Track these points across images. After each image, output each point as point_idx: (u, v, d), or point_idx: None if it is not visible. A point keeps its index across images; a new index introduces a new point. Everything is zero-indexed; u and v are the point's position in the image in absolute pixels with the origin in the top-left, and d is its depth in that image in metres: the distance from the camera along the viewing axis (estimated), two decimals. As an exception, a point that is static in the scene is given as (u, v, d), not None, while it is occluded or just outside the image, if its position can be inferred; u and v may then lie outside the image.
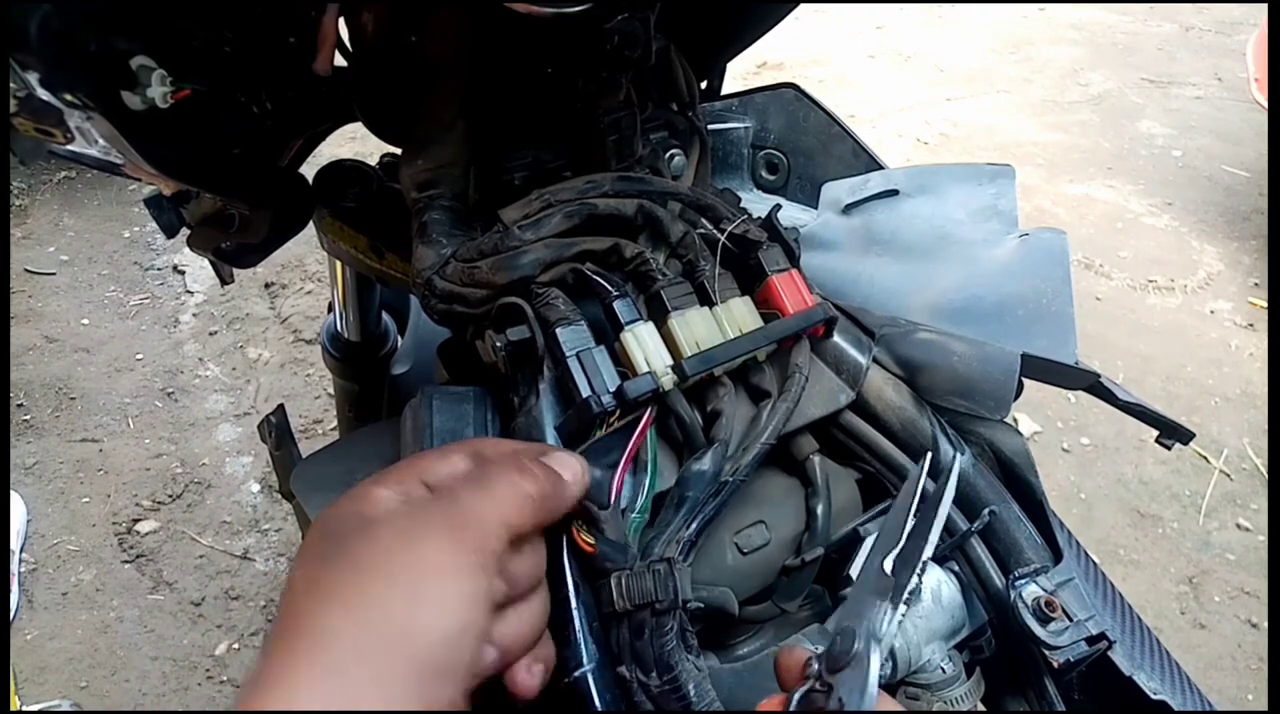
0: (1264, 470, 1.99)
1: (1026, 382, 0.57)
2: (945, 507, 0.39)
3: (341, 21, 0.48)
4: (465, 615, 0.32)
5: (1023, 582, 0.46)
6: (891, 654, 0.45)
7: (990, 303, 0.59)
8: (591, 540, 0.40)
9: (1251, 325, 2.40)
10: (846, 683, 0.33)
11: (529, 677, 0.36)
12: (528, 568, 0.37)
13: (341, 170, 0.68)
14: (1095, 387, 0.55)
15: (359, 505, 0.35)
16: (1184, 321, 2.41)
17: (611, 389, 0.42)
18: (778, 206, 0.55)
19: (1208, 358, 2.29)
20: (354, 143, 1.10)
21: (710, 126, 0.71)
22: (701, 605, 0.43)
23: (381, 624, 0.30)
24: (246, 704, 0.29)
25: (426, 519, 0.34)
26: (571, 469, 0.39)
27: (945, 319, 0.60)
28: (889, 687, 0.47)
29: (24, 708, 1.45)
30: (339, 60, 0.50)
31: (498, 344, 0.45)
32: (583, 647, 0.38)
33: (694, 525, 0.43)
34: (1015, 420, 2.01)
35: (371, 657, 0.29)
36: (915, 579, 0.36)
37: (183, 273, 2.50)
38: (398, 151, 0.57)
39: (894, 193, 0.67)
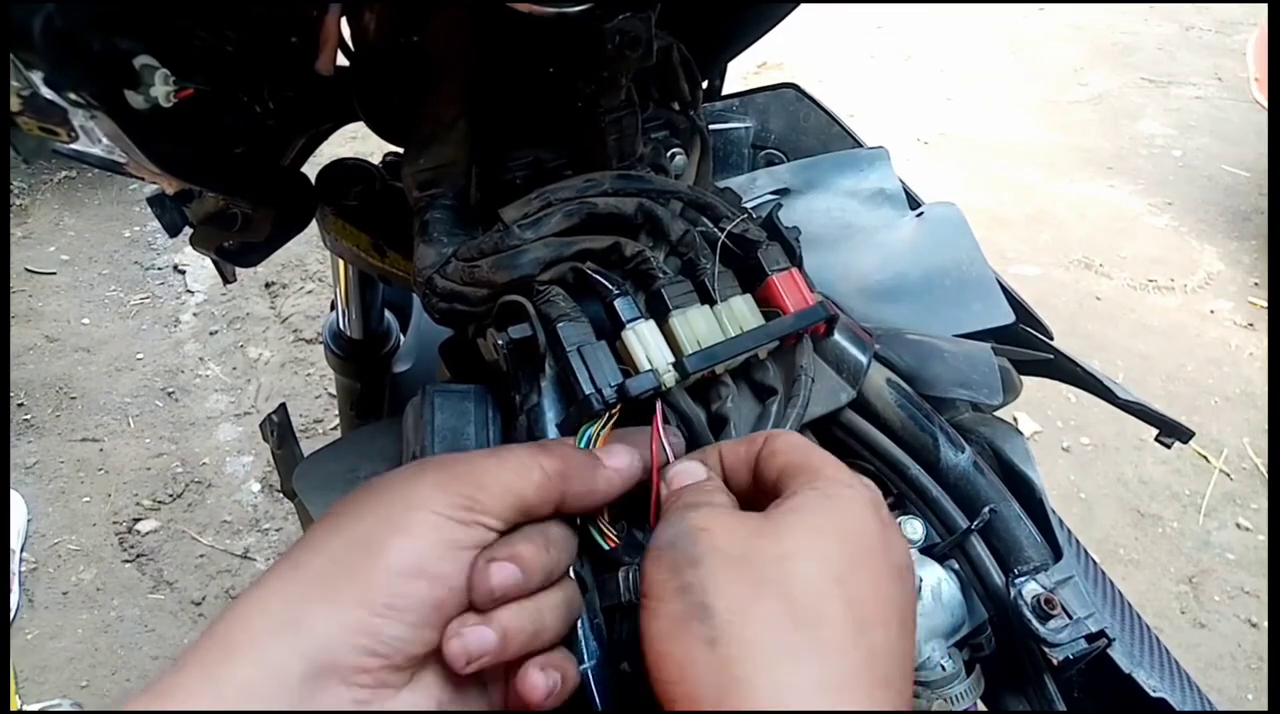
0: (1264, 470, 1.99)
1: (1026, 381, 0.58)
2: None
3: (343, 21, 0.48)
4: (427, 553, 0.32)
5: (1022, 579, 0.46)
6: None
7: (916, 278, 0.64)
8: (616, 535, 0.40)
9: (1251, 325, 2.40)
10: None
11: (542, 678, 0.33)
12: (542, 557, 0.34)
13: (344, 169, 0.69)
14: (1095, 387, 0.56)
15: None
16: (1184, 321, 2.41)
17: (613, 385, 0.42)
18: (778, 205, 0.55)
19: (1208, 358, 2.29)
20: (355, 142, 1.10)
21: (711, 126, 0.71)
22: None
23: (351, 542, 0.32)
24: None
25: (425, 466, 0.35)
26: (619, 458, 0.38)
27: (880, 300, 0.63)
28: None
29: (24, 707, 1.45)
30: (341, 60, 0.50)
31: (499, 342, 0.45)
32: (584, 643, 0.38)
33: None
34: (1015, 420, 2.02)
35: (334, 567, 0.32)
36: None
37: (183, 272, 2.50)
38: (400, 151, 0.57)
39: (785, 191, 0.70)
